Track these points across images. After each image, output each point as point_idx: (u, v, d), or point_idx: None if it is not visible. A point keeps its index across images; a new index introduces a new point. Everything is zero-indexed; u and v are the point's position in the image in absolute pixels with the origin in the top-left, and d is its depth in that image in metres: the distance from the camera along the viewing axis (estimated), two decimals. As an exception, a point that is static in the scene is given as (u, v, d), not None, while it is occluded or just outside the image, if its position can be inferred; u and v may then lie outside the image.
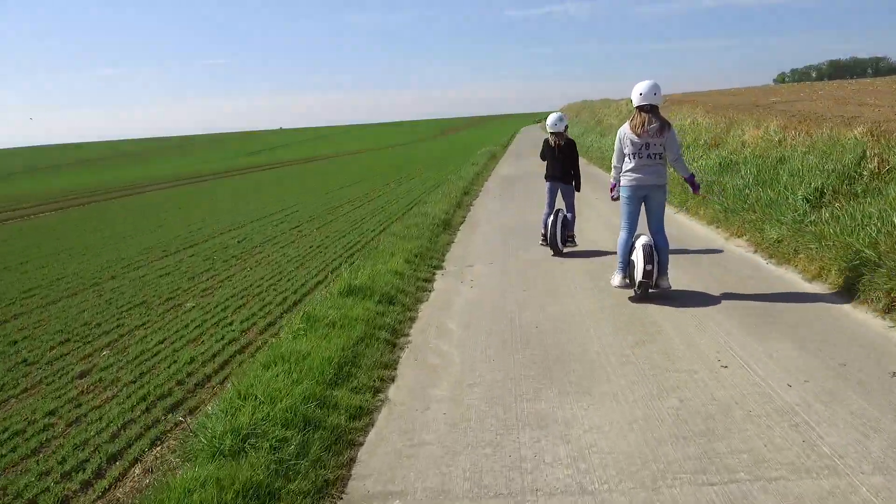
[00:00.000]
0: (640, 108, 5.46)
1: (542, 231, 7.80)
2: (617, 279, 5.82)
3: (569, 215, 7.69)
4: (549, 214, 7.64)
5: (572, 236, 7.70)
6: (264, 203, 19.21)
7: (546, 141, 7.92)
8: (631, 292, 5.69)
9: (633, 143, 5.49)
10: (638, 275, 5.44)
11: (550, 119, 7.94)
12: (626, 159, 5.59)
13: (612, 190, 5.96)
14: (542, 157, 8.02)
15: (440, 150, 45.20)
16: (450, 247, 8.77)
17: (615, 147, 5.72)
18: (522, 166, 21.52)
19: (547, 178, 7.95)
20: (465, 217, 11.51)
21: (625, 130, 5.57)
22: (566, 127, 7.97)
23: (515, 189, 15.29)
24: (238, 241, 11.85)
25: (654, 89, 5.44)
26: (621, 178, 5.67)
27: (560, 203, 7.87)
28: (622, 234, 5.72)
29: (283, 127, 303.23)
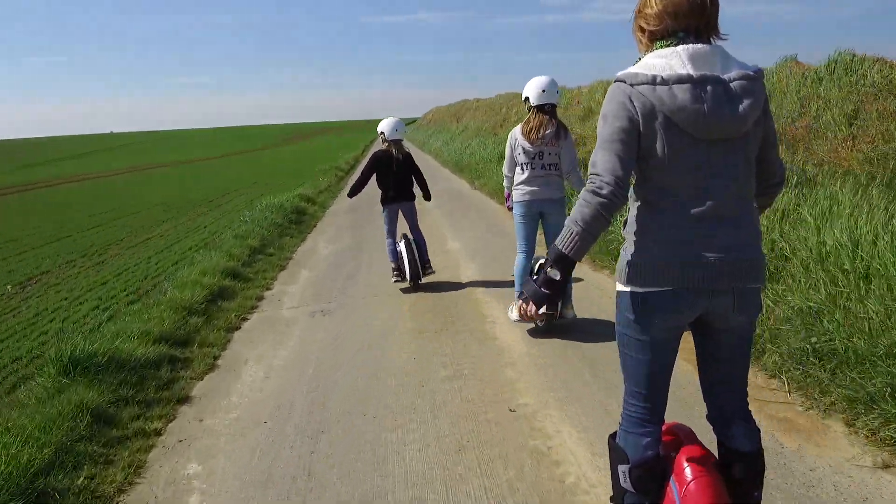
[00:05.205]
0: (540, 109, 4.55)
1: (393, 264, 6.33)
2: (516, 312, 4.16)
3: (417, 238, 6.40)
4: (394, 243, 6.39)
5: (429, 262, 6.37)
6: None
7: (379, 154, 6.26)
8: (530, 325, 4.78)
9: (525, 151, 4.60)
10: None
11: (389, 124, 6.24)
12: (518, 169, 4.69)
13: (507, 199, 5.05)
14: (360, 185, 6.27)
15: (239, 174, 28.59)
16: None
17: (506, 153, 4.80)
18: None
19: (385, 201, 6.33)
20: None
21: (516, 135, 4.67)
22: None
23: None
24: None
25: (555, 86, 4.59)
26: (514, 191, 4.78)
27: (402, 227, 6.49)
28: (519, 257, 4.78)
29: (114, 131, 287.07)
